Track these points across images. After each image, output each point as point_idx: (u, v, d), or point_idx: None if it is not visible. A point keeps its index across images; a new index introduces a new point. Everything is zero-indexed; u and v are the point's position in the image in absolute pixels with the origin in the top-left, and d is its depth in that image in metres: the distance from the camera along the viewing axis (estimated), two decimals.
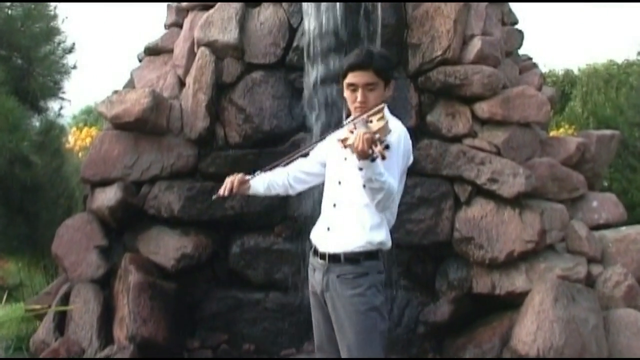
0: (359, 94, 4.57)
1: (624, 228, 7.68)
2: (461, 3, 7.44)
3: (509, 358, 6.78)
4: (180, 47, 8.09)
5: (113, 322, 7.12)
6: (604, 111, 12.43)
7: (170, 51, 8.35)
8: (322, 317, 4.84)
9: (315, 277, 4.79)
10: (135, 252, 7.44)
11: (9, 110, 7.49)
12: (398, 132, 4.54)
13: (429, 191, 7.37)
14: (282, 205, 7.40)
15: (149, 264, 7.34)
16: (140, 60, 8.83)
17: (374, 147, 4.02)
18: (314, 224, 4.99)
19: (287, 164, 5.03)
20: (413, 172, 4.98)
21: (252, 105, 7.53)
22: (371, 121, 4.29)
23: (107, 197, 7.43)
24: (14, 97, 7.67)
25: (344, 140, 4.14)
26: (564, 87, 15.67)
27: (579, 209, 7.71)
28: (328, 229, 4.77)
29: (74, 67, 9.00)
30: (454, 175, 7.38)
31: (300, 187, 5.19)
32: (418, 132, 7.28)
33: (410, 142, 4.71)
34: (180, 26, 8.35)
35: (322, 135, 5.08)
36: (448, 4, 7.41)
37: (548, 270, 7.04)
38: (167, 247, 7.42)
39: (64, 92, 8.91)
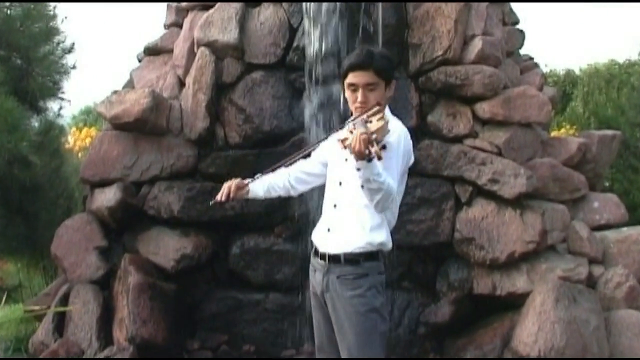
0: (359, 94, 4.56)
1: (625, 229, 7.66)
2: (462, 3, 7.42)
3: (510, 358, 6.77)
4: (180, 47, 8.07)
5: (112, 323, 7.10)
6: (605, 111, 12.41)
7: (170, 51, 8.32)
8: (322, 317, 4.83)
9: (316, 278, 4.79)
10: (134, 253, 7.42)
11: (8, 110, 7.47)
12: (398, 132, 4.53)
13: (430, 192, 7.36)
14: (283, 205, 7.36)
15: (149, 265, 7.32)
16: (139, 61, 8.82)
17: (370, 147, 4.01)
18: (314, 224, 4.98)
19: (288, 165, 5.00)
20: (414, 172, 4.97)
21: (252, 106, 7.51)
22: (371, 121, 4.28)
23: (107, 197, 7.40)
24: (13, 97, 7.65)
25: (343, 141, 4.13)
26: (565, 87, 15.65)
27: (580, 209, 7.68)
28: (328, 229, 4.76)
29: (74, 67, 9.00)
30: (454, 176, 7.36)
31: (301, 188, 5.17)
32: (419, 133, 7.27)
33: (410, 142, 4.70)
34: (180, 26, 8.33)
35: (323, 137, 5.06)
36: (449, 4, 7.39)
37: (549, 271, 7.02)
38: (167, 247, 7.40)
39: (63, 92, 8.91)
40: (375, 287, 4.62)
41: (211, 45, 7.60)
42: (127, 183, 7.49)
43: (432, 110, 7.52)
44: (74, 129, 14.79)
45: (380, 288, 4.65)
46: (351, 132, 4.17)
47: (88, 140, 12.65)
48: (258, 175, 5.01)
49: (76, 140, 13.37)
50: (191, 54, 7.82)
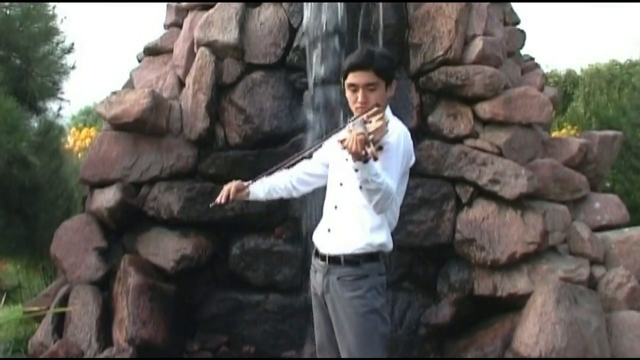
0: (359, 95, 4.56)
1: (626, 229, 7.63)
2: (463, 3, 7.40)
3: (511, 358, 6.75)
4: (179, 47, 8.06)
5: (112, 324, 7.10)
6: (606, 112, 12.40)
7: (170, 51, 8.31)
8: (322, 318, 4.83)
9: (316, 279, 4.78)
10: (134, 254, 7.41)
11: (8, 110, 7.46)
12: (397, 133, 4.52)
13: (430, 192, 7.34)
14: (283, 206, 7.34)
15: (149, 266, 7.31)
16: (139, 61, 8.80)
17: (366, 148, 4.00)
18: (314, 225, 4.96)
19: (289, 167, 4.98)
20: (414, 173, 4.94)
21: (252, 106, 7.50)
22: (370, 121, 4.28)
23: (106, 198, 7.39)
24: (12, 97, 7.64)
25: (342, 141, 4.11)
26: (566, 87, 15.64)
27: (581, 210, 7.66)
28: (329, 230, 4.76)
29: (73, 67, 9.00)
30: (455, 177, 7.34)
31: (304, 189, 5.15)
32: (419, 133, 7.24)
33: (411, 142, 4.68)
34: (180, 26, 8.32)
35: (323, 138, 5.05)
36: (449, 4, 7.38)
37: (550, 272, 7.00)
38: (167, 248, 7.39)
39: (62, 93, 8.91)
40: (376, 288, 4.61)
41: (211, 46, 7.59)
42: (126, 184, 7.48)
43: (433, 110, 7.50)
44: (73, 129, 14.81)
45: (380, 289, 4.64)
46: (350, 132, 4.15)
47: (88, 140, 12.66)
48: (260, 176, 4.99)
49: (76, 140, 13.39)
50: (191, 54, 7.81)
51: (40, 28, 8.59)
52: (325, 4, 7.34)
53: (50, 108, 8.89)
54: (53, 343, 6.98)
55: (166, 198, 7.44)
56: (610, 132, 8.56)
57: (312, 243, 4.92)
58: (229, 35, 7.53)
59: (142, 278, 7.03)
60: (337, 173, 4.73)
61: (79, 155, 11.60)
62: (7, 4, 8.38)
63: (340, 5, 7.33)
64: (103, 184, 7.55)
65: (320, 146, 4.98)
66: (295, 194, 5.17)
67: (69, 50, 8.97)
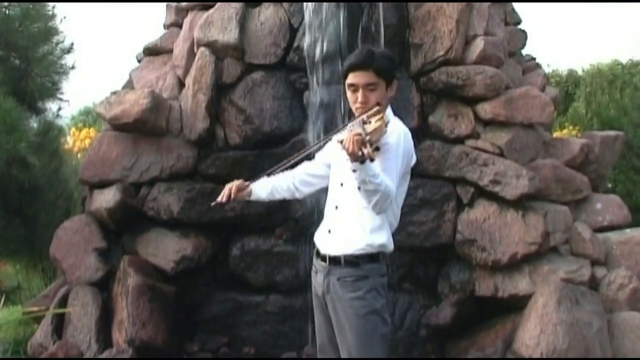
0: (359, 95, 4.55)
1: (628, 230, 7.62)
2: (463, 3, 7.39)
3: (512, 358, 6.74)
4: (179, 48, 8.04)
5: (112, 325, 7.09)
6: (608, 112, 12.39)
7: (170, 51, 8.30)
8: (323, 318, 4.82)
9: (317, 279, 4.78)
10: (134, 255, 7.40)
11: (7, 111, 7.45)
12: (397, 133, 4.51)
13: (431, 193, 7.33)
14: (283, 207, 7.31)
15: (148, 267, 7.29)
16: (139, 61, 8.79)
17: (363, 148, 3.99)
18: (314, 226, 4.95)
19: (289, 167, 4.96)
20: (415, 173, 4.93)
21: (253, 106, 7.49)
22: (370, 122, 4.28)
23: (106, 198, 7.39)
24: (11, 97, 7.63)
25: (342, 142, 4.10)
26: (568, 87, 15.63)
27: (582, 210, 7.65)
28: (329, 231, 4.75)
29: (73, 67, 8.98)
30: (456, 177, 7.33)
31: (306, 190, 5.14)
32: (420, 133, 7.22)
33: (411, 142, 4.67)
34: (180, 26, 8.30)
35: (324, 137, 5.04)
36: (450, 3, 7.36)
37: (551, 272, 6.99)
38: (167, 249, 7.38)
39: (62, 93, 8.89)
40: (376, 289, 4.59)
41: (211, 46, 7.57)
42: (126, 184, 7.46)
43: (434, 110, 7.48)
44: (73, 129, 14.81)
45: (381, 290, 4.63)
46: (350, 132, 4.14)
47: (87, 141, 12.65)
48: (261, 175, 4.98)
49: (75, 141, 13.38)
50: (191, 54, 7.79)
51: (40, 28, 8.58)
52: (325, 4, 7.32)
53: (49, 108, 8.90)
54: (52, 344, 6.97)
55: (166, 198, 7.43)
56: (612, 133, 8.54)
57: (314, 244, 4.91)
58: (229, 35, 7.51)
59: (141, 279, 7.01)
60: (338, 173, 4.72)
61: (79, 155, 11.59)
62: (6, 3, 8.37)
63: (340, 5, 7.31)
64: (103, 185, 7.53)
65: (320, 146, 4.98)
66: (297, 195, 5.16)
67: (69, 50, 8.96)
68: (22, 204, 8.16)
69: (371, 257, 4.61)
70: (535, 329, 6.59)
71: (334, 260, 4.64)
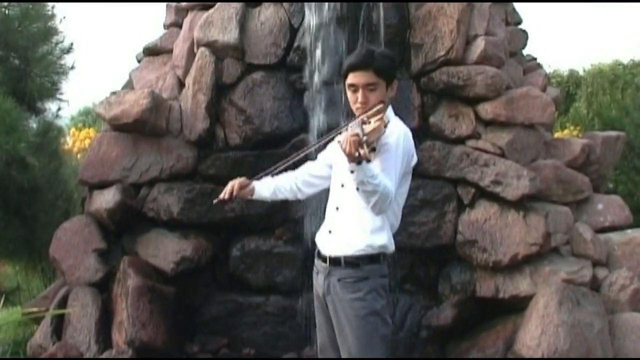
0: (359, 95, 4.54)
1: (629, 231, 7.61)
2: (464, 3, 7.39)
3: (512, 358, 6.73)
4: (179, 48, 8.03)
5: (111, 326, 7.08)
6: (609, 112, 12.37)
7: (170, 51, 8.29)
8: (324, 319, 4.81)
9: (318, 280, 4.77)
10: (134, 255, 7.38)
11: (6, 111, 7.43)
12: (397, 133, 4.50)
13: (432, 193, 7.32)
14: (283, 207, 7.29)
15: (148, 268, 7.28)
16: (139, 61, 8.78)
17: (359, 149, 3.98)
18: (315, 226, 4.95)
19: (288, 166, 4.94)
20: (416, 174, 4.91)
21: (253, 107, 7.48)
22: (369, 122, 4.26)
23: (106, 199, 7.37)
24: (11, 98, 7.60)
25: (341, 143, 4.10)
26: (569, 87, 15.62)
27: (584, 211, 7.63)
28: (330, 231, 4.74)
29: (72, 67, 8.94)
30: (457, 177, 7.31)
31: (309, 191, 5.13)
32: (421, 134, 7.20)
33: (412, 142, 4.66)
34: (180, 26, 8.29)
35: (323, 137, 5.02)
36: (451, 3, 7.36)
37: (553, 273, 6.98)
38: (167, 250, 7.36)
39: (61, 93, 8.85)
40: (376, 290, 4.58)
41: (211, 46, 7.56)
42: (126, 185, 7.45)
43: (434, 111, 7.47)
44: (72, 130, 14.80)
45: (381, 291, 4.61)
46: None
47: (87, 141, 12.64)
48: (262, 174, 4.97)
49: (75, 141, 13.38)
50: (191, 55, 7.78)
51: (39, 28, 8.56)
52: (326, 4, 7.31)
53: (49, 108, 8.87)
54: (52, 345, 6.96)
55: (166, 199, 7.41)
56: (613, 133, 8.53)
57: (315, 244, 4.90)
58: (229, 35, 7.50)
59: (141, 280, 7.01)
60: (339, 174, 4.70)
61: (78, 156, 11.58)
62: (5, 3, 8.35)
63: (341, 5, 7.30)
64: (102, 185, 7.52)
65: (319, 146, 4.99)
66: (300, 196, 5.15)
67: (68, 50, 8.93)
68: (22, 204, 8.15)
69: (371, 258, 4.59)
70: (536, 330, 6.58)
71: (335, 261, 4.62)
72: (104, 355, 6.78)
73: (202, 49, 7.58)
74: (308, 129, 7.45)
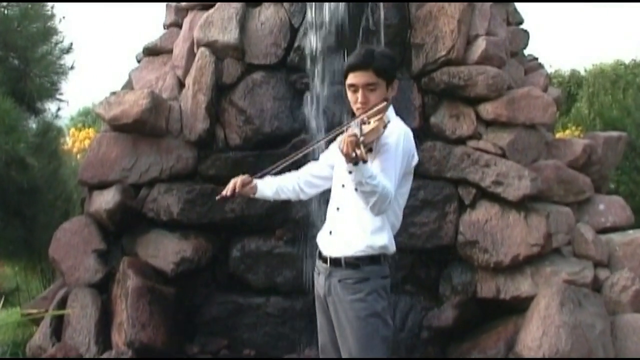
0: (359, 95, 4.53)
1: (631, 231, 7.60)
2: (465, 3, 7.39)
3: (514, 358, 6.72)
4: (179, 48, 8.02)
5: (111, 327, 7.07)
6: (610, 112, 12.36)
7: (170, 52, 8.27)
8: (325, 320, 4.80)
9: (319, 281, 4.76)
10: (133, 256, 7.38)
11: (5, 111, 7.43)
12: (397, 133, 4.48)
13: (433, 194, 7.30)
14: (284, 208, 7.28)
15: (148, 268, 7.28)
16: (138, 61, 8.76)
17: (356, 150, 3.98)
18: (315, 227, 4.94)
19: (287, 166, 4.92)
20: (416, 174, 4.90)
21: (253, 107, 7.47)
22: (369, 122, 4.25)
23: (105, 200, 7.36)
24: (10, 98, 7.60)
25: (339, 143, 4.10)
26: (570, 88, 15.62)
27: (585, 212, 7.62)
28: (330, 232, 4.73)
29: (72, 67, 8.93)
30: (458, 178, 7.30)
31: (312, 192, 5.12)
32: (421, 134, 7.18)
33: (412, 142, 4.64)
34: (180, 26, 8.27)
35: (323, 137, 5.02)
36: (452, 3, 7.35)
37: (554, 274, 6.97)
38: (166, 250, 7.35)
39: (61, 94, 8.85)
40: (377, 292, 4.56)
41: (211, 46, 7.55)
42: (125, 185, 7.44)
43: (435, 111, 7.47)
44: (72, 130, 14.80)
45: (382, 292, 4.59)
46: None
47: (86, 141, 12.63)
48: (263, 172, 4.95)
49: (74, 141, 13.38)
50: (191, 55, 7.77)
51: (39, 28, 8.55)
52: (326, 4, 7.30)
53: (48, 109, 8.86)
54: (51, 346, 6.96)
55: (166, 200, 7.40)
56: (615, 133, 8.52)
57: (316, 245, 4.88)
58: (229, 35, 7.49)
59: (141, 280, 7.00)
60: (340, 175, 4.68)
61: (78, 156, 11.58)
62: (5, 3, 8.35)
63: (341, 5, 7.29)
64: (102, 186, 7.51)
65: (319, 146, 4.99)
66: (302, 197, 5.15)
67: (68, 50, 8.92)
68: (21, 205, 8.14)
69: (372, 259, 4.57)
70: (537, 331, 6.57)
71: (335, 262, 4.61)
72: (103, 356, 6.77)
73: (202, 49, 7.57)
74: (308, 129, 7.43)
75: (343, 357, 4.61)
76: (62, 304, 7.19)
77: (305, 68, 7.46)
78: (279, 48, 7.57)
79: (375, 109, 4.40)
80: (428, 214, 7.28)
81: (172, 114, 7.58)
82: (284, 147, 7.30)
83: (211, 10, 7.70)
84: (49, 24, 8.70)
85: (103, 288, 7.29)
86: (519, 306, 6.99)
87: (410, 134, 4.61)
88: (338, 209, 4.70)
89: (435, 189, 7.31)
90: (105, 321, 7.07)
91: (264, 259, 7.49)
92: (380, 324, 4.54)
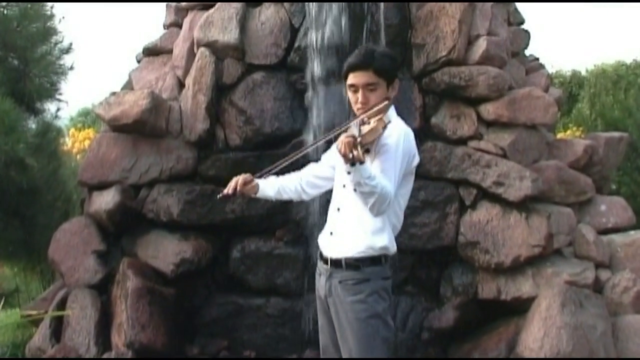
0: (359, 95, 4.53)
1: (632, 232, 7.59)
2: (466, 3, 7.37)
3: (514, 359, 6.71)
4: (179, 48, 8.00)
5: (111, 328, 7.05)
6: (612, 113, 12.35)
7: (170, 52, 8.26)
8: (326, 321, 4.80)
9: (320, 282, 4.77)
10: (133, 257, 7.37)
11: (5, 112, 7.43)
12: (397, 133, 4.47)
13: (434, 194, 7.29)
14: (284, 208, 7.30)
15: (148, 269, 7.26)
16: (138, 61, 8.75)
17: (353, 150, 3.98)
18: (315, 228, 4.93)
19: (286, 166, 4.90)
20: (417, 175, 4.88)
21: (253, 107, 7.45)
22: (369, 122, 4.24)
23: (105, 200, 7.35)
24: (9, 98, 7.60)
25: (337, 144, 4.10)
26: (572, 88, 15.61)
27: (586, 212, 7.61)
28: (331, 233, 4.74)
29: (71, 68, 8.93)
30: (459, 179, 7.29)
31: (314, 192, 5.13)
32: (422, 134, 7.16)
33: (413, 142, 4.63)
34: (180, 26, 8.26)
35: (323, 136, 5.01)
36: (453, 3, 7.34)
37: (555, 275, 6.95)
38: (166, 251, 7.34)
39: (60, 94, 8.85)
40: (377, 293, 4.56)
41: (211, 46, 7.53)
42: (125, 186, 7.43)
43: (436, 111, 7.46)
44: (72, 130, 14.80)
45: (383, 293, 4.59)
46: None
47: (86, 142, 12.62)
48: (264, 172, 4.94)
49: (74, 142, 13.37)
50: (191, 55, 7.76)
51: (38, 28, 8.55)
52: (327, 4, 7.29)
53: (48, 109, 8.86)
54: (51, 347, 6.95)
55: (166, 200, 7.39)
56: (616, 134, 8.52)
57: (317, 245, 4.88)
58: (229, 35, 7.47)
59: (141, 281, 6.98)
60: (341, 175, 4.67)
61: (78, 157, 11.57)
62: (4, 3, 8.35)
63: (342, 5, 7.27)
64: (102, 186, 7.50)
65: (319, 146, 5.00)
66: (305, 197, 5.15)
67: (67, 50, 8.91)
68: (20, 205, 8.14)
69: (372, 260, 4.57)
70: (538, 332, 6.55)
71: (336, 263, 4.61)
72: (103, 357, 6.76)
73: (202, 49, 7.56)
74: (308, 129, 7.42)
75: (344, 357, 4.61)
76: (62, 305, 7.17)
77: (306, 68, 7.43)
78: (279, 48, 7.55)
79: (376, 108, 4.40)
80: (429, 214, 7.26)
81: (172, 115, 7.56)
82: (284, 147, 7.28)
83: (211, 10, 7.69)
84: (48, 24, 8.69)
85: (103, 289, 7.27)
86: (520, 307, 6.97)
87: (411, 134, 4.60)
88: (339, 209, 4.70)
89: (436, 189, 7.30)
90: (105, 322, 7.05)
91: (264, 260, 7.47)
92: (381, 325, 4.54)
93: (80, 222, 7.56)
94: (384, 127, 4.33)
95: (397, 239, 4.72)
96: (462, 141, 7.35)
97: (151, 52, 8.55)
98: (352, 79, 4.53)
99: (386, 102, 4.49)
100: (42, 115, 8.79)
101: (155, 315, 6.91)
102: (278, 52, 7.56)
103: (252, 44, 7.57)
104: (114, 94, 7.54)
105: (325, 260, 4.70)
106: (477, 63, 7.30)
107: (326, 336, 4.83)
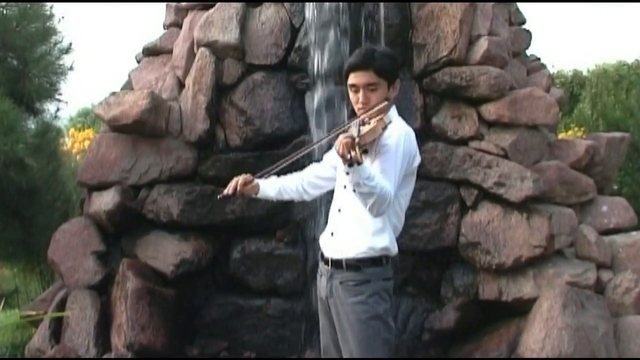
0: (360, 95, 4.52)
1: (634, 233, 7.58)
2: (467, 3, 7.36)
3: (515, 359, 6.71)
4: (179, 48, 7.99)
5: (110, 329, 7.04)
6: (613, 113, 12.35)
7: (170, 52, 8.25)
8: (327, 322, 4.79)
9: (321, 283, 4.76)
10: (133, 258, 7.35)
11: (4, 112, 7.43)
12: (397, 134, 4.46)
13: (435, 195, 7.28)
14: (284, 209, 7.29)
15: (148, 270, 7.25)
16: (138, 61, 8.73)
17: (351, 151, 3.97)
18: (316, 228, 4.91)
19: (286, 166, 4.88)
20: (418, 175, 4.86)
21: (253, 107, 7.44)
22: (369, 122, 4.24)
23: (105, 201, 7.33)
24: (9, 99, 7.59)
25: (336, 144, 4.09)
26: (573, 88, 15.62)
27: (588, 213, 7.60)
28: (332, 234, 4.72)
29: (71, 68, 8.92)
30: (460, 179, 7.28)
31: (315, 193, 5.12)
32: (423, 135, 7.13)
33: (414, 142, 4.61)
34: (180, 26, 8.25)
35: (323, 136, 5.00)
36: (454, 3, 7.33)
37: (556, 276, 6.95)
38: (166, 252, 7.32)
39: (60, 94, 8.85)
40: (378, 294, 4.54)
41: (211, 46, 7.52)
42: (125, 186, 7.42)
43: (437, 112, 7.45)
44: (71, 130, 14.80)
45: (384, 294, 4.57)
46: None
47: (86, 142, 12.62)
48: (264, 172, 4.92)
49: (74, 142, 13.37)
50: (191, 55, 7.74)
51: (38, 28, 8.55)
52: (327, 4, 7.28)
53: (47, 109, 8.86)
54: (50, 348, 6.95)
55: (165, 201, 7.38)
56: (618, 134, 8.50)
57: (318, 246, 4.87)
58: (229, 35, 7.46)
59: (141, 282, 6.97)
60: (341, 176, 4.63)
61: (77, 157, 11.58)
62: (3, 3, 8.35)
63: (342, 5, 7.26)
64: (101, 187, 7.48)
65: (319, 146, 5.03)
66: (306, 197, 5.14)
67: (67, 50, 8.91)
68: (20, 206, 8.14)
69: (373, 261, 4.55)
70: (540, 333, 6.55)
71: (336, 264, 4.60)
72: (103, 358, 6.77)
73: (202, 49, 7.54)
74: (309, 129, 7.42)
75: (344, 357, 4.60)
76: (61, 305, 7.17)
77: (306, 68, 7.43)
78: (279, 48, 7.55)
79: (376, 108, 4.39)
80: (430, 215, 7.25)
81: (172, 115, 7.55)
82: (285, 147, 7.28)
83: (211, 10, 7.67)
84: (48, 24, 8.69)
85: (102, 290, 7.26)
86: (521, 308, 6.97)
87: (412, 135, 4.58)
88: (339, 210, 4.69)
89: (437, 190, 7.29)
90: (104, 323, 7.04)
91: (265, 261, 7.46)
92: (382, 326, 4.53)
93: (79, 223, 7.55)
94: (384, 128, 4.33)
95: (398, 239, 4.70)
96: (463, 141, 7.34)
97: (151, 52, 8.53)
98: (352, 79, 4.52)
99: (386, 103, 4.48)
100: (41, 116, 8.80)
101: (155, 316, 6.90)
102: (278, 52, 7.54)
103: (252, 44, 7.56)
104: (113, 94, 7.52)
105: (326, 261, 4.69)
106: (478, 63, 7.29)
107: (327, 337, 4.82)
